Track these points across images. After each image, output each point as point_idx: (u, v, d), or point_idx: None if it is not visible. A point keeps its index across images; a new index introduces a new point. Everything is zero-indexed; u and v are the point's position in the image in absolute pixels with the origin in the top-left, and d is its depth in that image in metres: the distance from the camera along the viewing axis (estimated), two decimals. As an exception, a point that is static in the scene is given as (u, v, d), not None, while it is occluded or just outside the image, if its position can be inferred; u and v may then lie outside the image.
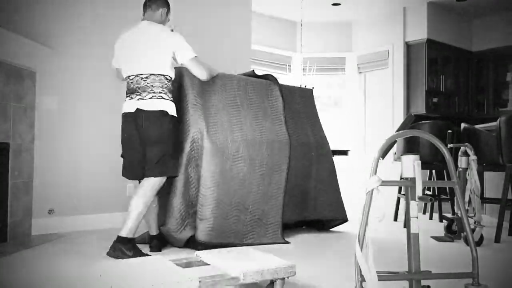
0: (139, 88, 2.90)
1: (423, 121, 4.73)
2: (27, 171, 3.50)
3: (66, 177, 3.81)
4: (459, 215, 3.57)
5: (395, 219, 4.81)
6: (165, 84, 2.94)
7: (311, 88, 4.55)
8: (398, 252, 3.12)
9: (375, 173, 1.76)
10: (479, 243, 3.44)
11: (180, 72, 3.41)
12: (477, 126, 4.24)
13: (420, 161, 1.79)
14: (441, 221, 4.79)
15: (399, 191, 4.78)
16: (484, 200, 4.19)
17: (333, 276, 2.55)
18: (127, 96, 2.99)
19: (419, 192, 1.76)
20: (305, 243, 3.52)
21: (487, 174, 4.89)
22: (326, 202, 3.98)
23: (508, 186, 3.69)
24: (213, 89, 3.50)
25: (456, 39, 6.81)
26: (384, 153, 1.87)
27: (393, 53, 6.61)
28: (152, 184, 2.91)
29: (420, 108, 6.34)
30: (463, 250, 3.29)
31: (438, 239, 3.72)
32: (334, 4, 6.49)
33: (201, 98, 3.38)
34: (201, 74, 3.12)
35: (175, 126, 3.03)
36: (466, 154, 3.50)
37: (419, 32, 6.40)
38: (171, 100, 2.98)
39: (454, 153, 3.82)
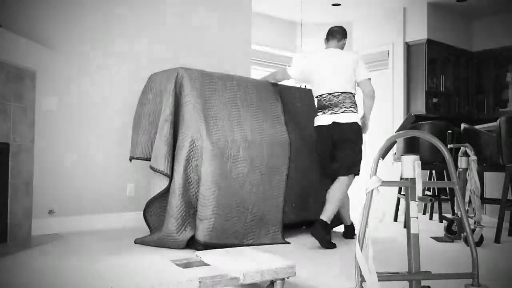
0: (331, 104, 3.48)
1: (423, 122, 4.73)
2: (27, 172, 3.50)
3: (66, 178, 3.81)
4: (459, 216, 3.57)
5: (395, 219, 4.81)
6: (353, 100, 3.52)
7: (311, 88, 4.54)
8: (398, 253, 3.12)
9: (375, 174, 1.76)
10: (479, 243, 3.44)
11: (180, 72, 3.41)
12: (477, 127, 4.24)
13: (420, 162, 1.79)
14: (441, 221, 4.79)
15: (399, 192, 4.78)
16: (484, 200, 4.20)
17: (333, 276, 2.55)
18: (318, 111, 3.57)
19: (419, 192, 1.76)
20: (305, 243, 3.51)
21: (487, 175, 4.89)
22: (326, 202, 3.97)
23: (508, 187, 3.69)
24: (213, 89, 3.50)
25: (456, 39, 6.80)
26: (384, 154, 1.87)
27: (393, 53, 6.60)
28: (346, 182, 3.46)
29: (420, 108, 6.33)
30: (463, 250, 3.29)
31: (438, 239, 3.72)
32: (334, 5, 6.48)
33: (200, 98, 3.38)
34: (369, 92, 3.54)
35: (360, 133, 3.58)
36: (466, 154, 3.51)
37: (419, 32, 6.39)
38: (357, 112, 3.53)
39: (454, 153, 3.82)
